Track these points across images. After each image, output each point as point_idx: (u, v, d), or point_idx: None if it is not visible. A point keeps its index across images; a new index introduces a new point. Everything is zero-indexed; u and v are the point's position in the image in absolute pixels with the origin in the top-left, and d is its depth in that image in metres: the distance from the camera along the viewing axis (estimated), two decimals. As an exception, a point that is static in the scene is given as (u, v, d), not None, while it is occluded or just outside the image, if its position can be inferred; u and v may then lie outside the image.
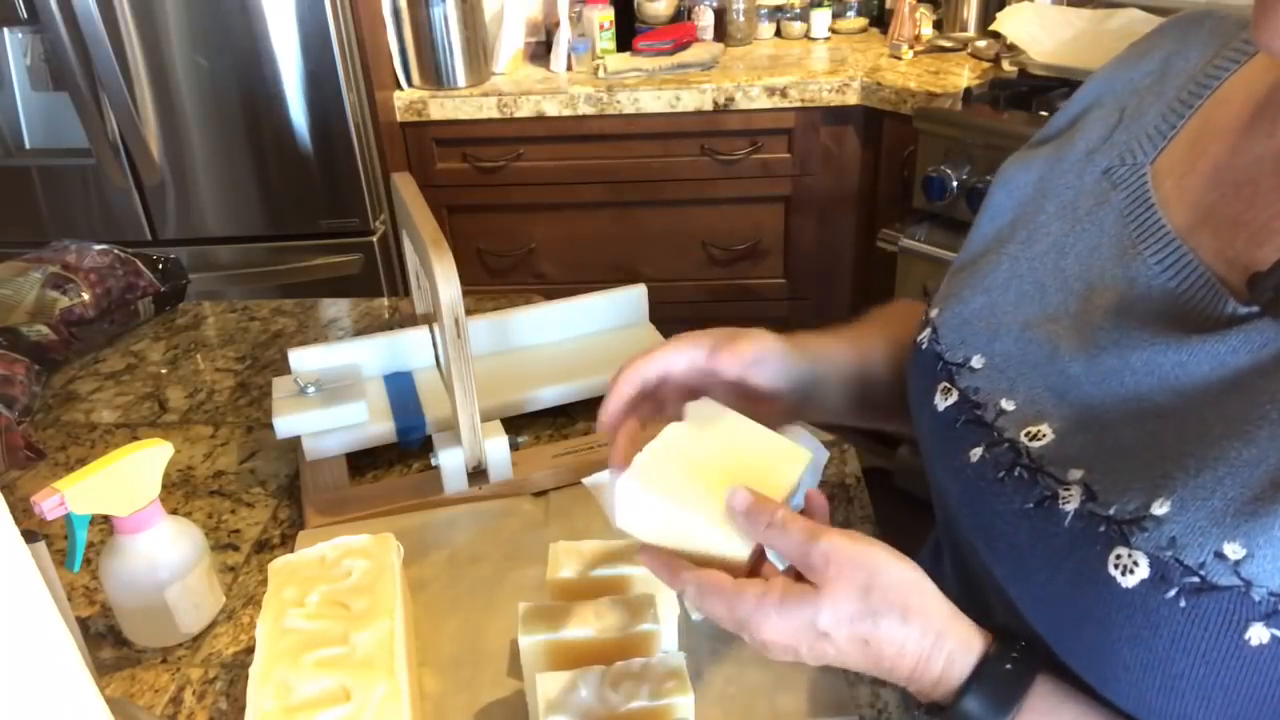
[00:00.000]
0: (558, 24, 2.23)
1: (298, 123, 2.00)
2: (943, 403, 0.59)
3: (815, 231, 2.22)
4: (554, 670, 0.62)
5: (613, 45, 2.29)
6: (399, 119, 2.14)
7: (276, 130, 2.00)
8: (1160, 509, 0.45)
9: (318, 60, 1.94)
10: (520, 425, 1.01)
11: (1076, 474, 0.50)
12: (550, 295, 1.16)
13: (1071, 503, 0.49)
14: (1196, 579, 0.44)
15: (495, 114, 2.11)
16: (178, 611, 0.77)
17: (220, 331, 1.30)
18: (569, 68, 2.24)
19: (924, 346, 0.63)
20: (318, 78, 1.95)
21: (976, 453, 0.56)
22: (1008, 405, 0.55)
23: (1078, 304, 0.56)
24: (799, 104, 2.06)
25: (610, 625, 0.65)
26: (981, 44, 2.13)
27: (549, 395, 1.02)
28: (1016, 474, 0.53)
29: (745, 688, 0.71)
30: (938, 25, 2.30)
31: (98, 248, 1.27)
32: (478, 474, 0.91)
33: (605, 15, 2.27)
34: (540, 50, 2.37)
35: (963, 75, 2.03)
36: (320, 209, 2.08)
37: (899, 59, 2.14)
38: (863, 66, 2.10)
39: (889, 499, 0.77)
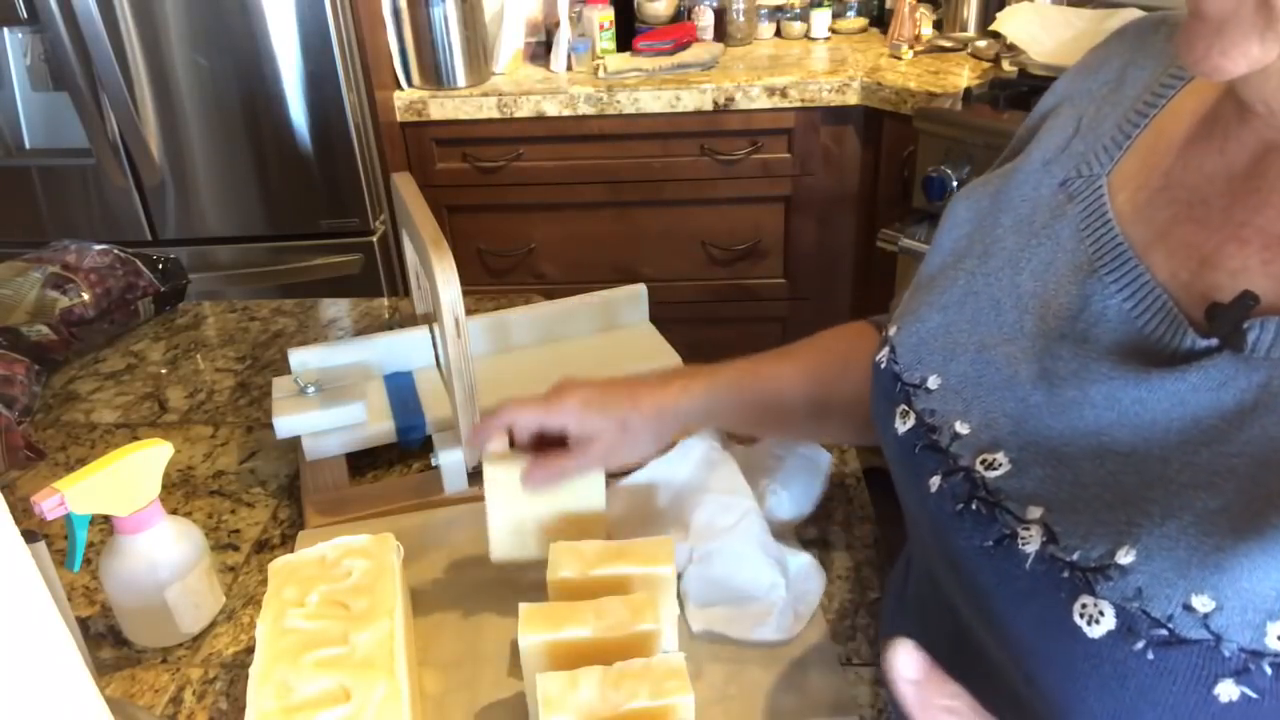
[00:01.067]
0: (558, 24, 2.23)
1: (298, 123, 2.00)
2: (902, 426, 0.57)
3: (815, 231, 2.23)
4: (554, 670, 0.62)
5: (613, 45, 2.29)
6: (399, 119, 2.14)
7: (276, 130, 2.00)
8: (1125, 558, 0.44)
9: (318, 60, 1.94)
10: (520, 425, 1.01)
11: (1036, 512, 0.48)
12: (550, 295, 1.16)
13: (1032, 544, 0.47)
14: (1165, 631, 0.42)
15: (495, 114, 2.11)
16: (178, 611, 0.77)
17: (220, 331, 1.30)
18: (569, 68, 2.24)
19: (882, 366, 0.61)
20: (318, 78, 1.95)
21: (935, 481, 0.54)
22: (962, 429, 0.53)
23: (1034, 323, 0.54)
24: (799, 104, 2.06)
25: (610, 625, 0.65)
26: (981, 44, 2.13)
27: (549, 395, 1.02)
28: (974, 508, 0.51)
29: (745, 688, 0.71)
30: (938, 25, 2.30)
31: (98, 248, 1.28)
32: (478, 474, 0.91)
33: (605, 15, 2.27)
34: (540, 50, 2.37)
35: (963, 75, 2.03)
36: (320, 209, 2.08)
37: (899, 59, 2.14)
38: (863, 66, 2.10)
39: (889, 499, 0.78)
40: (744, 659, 0.73)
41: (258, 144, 2.02)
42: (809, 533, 0.86)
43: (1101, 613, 0.44)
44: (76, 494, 0.70)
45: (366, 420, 0.95)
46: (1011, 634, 0.49)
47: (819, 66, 2.13)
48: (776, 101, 2.06)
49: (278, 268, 2.13)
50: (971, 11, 2.22)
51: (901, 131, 1.97)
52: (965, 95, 1.90)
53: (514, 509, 0.77)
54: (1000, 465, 0.51)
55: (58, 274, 1.22)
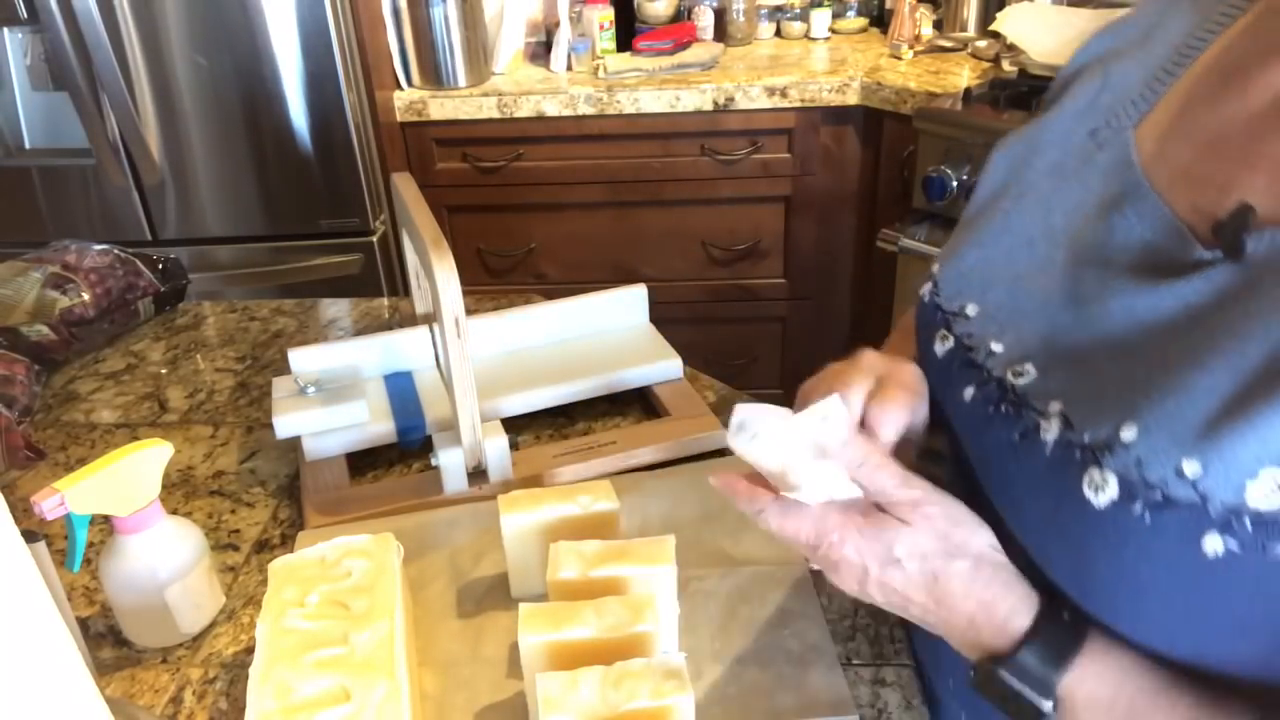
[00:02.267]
0: (558, 24, 2.23)
1: (298, 123, 2.00)
2: (941, 348, 0.64)
3: (815, 231, 2.23)
4: (554, 670, 0.62)
5: (613, 45, 2.29)
6: (399, 119, 2.14)
7: (276, 130, 2.00)
8: (1128, 434, 0.50)
9: (318, 60, 1.94)
10: (520, 425, 1.01)
11: (1056, 406, 0.54)
12: (550, 295, 1.16)
13: (1051, 433, 0.54)
14: (1159, 495, 0.48)
15: (495, 114, 2.11)
16: (178, 611, 0.77)
17: (220, 331, 1.30)
18: (569, 68, 2.24)
19: (926, 299, 0.67)
20: (318, 78, 1.95)
21: (969, 391, 0.60)
22: (996, 347, 0.60)
23: (1064, 256, 0.60)
24: (799, 104, 2.06)
25: (610, 625, 0.65)
26: (981, 44, 2.13)
27: (549, 395, 1.02)
28: (1003, 410, 0.57)
29: (745, 688, 0.71)
30: (938, 25, 2.30)
31: (98, 248, 1.28)
32: (478, 474, 0.91)
33: (605, 15, 2.27)
34: (540, 50, 2.37)
35: (963, 75, 2.03)
36: (320, 209, 2.08)
37: (899, 59, 2.14)
38: (863, 66, 2.11)
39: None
40: (744, 659, 0.73)
41: (258, 144, 2.02)
42: (809, 533, 0.86)
43: (1106, 482, 0.50)
44: (76, 494, 0.70)
45: (366, 420, 0.95)
46: (1031, 516, 0.56)
47: (819, 66, 2.14)
48: (776, 101, 2.06)
49: (278, 268, 2.13)
50: (971, 11, 2.22)
51: (901, 131, 1.97)
52: (965, 95, 1.90)
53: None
54: (1028, 374, 0.57)
55: (58, 274, 1.22)
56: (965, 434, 0.61)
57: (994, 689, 0.54)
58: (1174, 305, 0.52)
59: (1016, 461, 0.56)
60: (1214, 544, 0.46)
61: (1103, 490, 0.50)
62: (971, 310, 0.63)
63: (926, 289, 0.68)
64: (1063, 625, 0.54)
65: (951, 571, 0.55)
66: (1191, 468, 0.47)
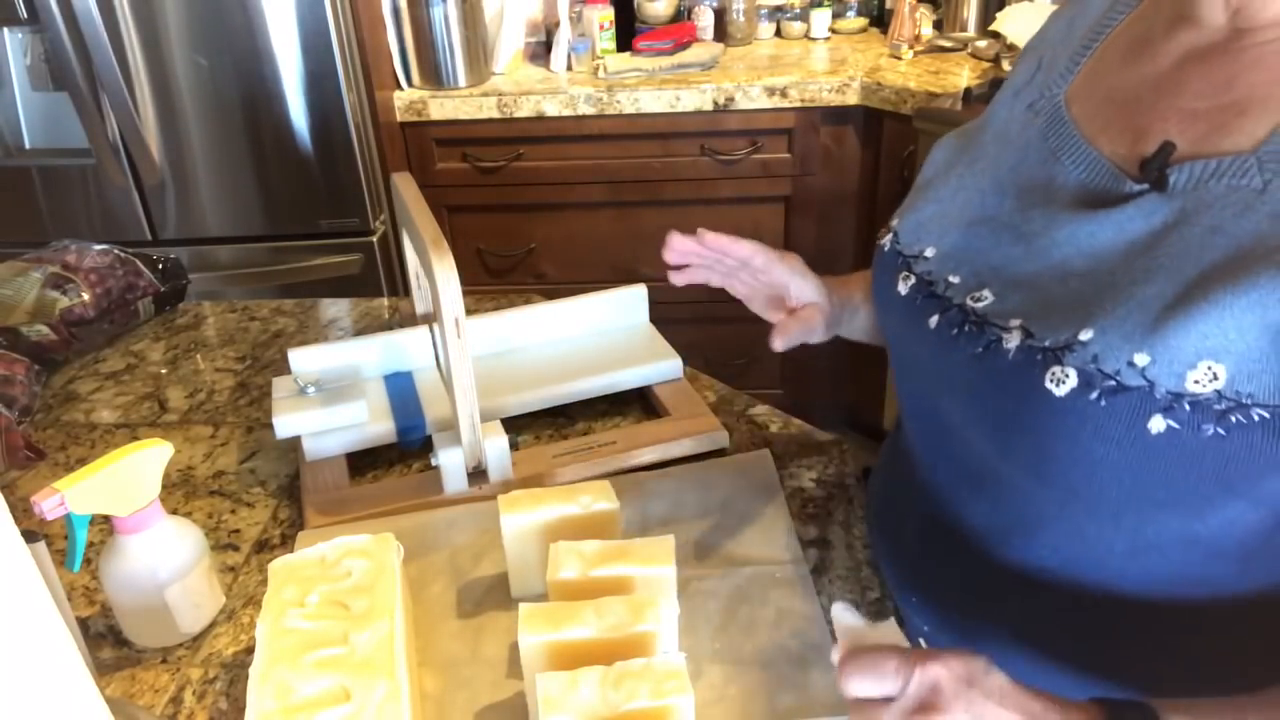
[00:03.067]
0: (558, 24, 2.23)
1: (298, 123, 2.00)
2: (904, 287, 0.73)
3: (815, 231, 2.23)
4: (554, 670, 0.62)
5: (613, 45, 2.29)
6: (399, 119, 2.14)
7: (276, 130, 2.00)
8: (1085, 335, 0.58)
9: (318, 60, 1.94)
10: (520, 425, 1.01)
11: (1016, 321, 0.62)
12: (550, 295, 1.16)
13: (1013, 341, 0.62)
14: (1113, 382, 0.56)
15: (495, 114, 2.11)
16: (178, 611, 0.77)
17: (220, 331, 1.30)
18: (569, 68, 2.24)
19: (886, 248, 0.77)
20: (318, 78, 1.95)
21: (934, 319, 0.69)
22: (955, 279, 0.69)
23: (1011, 203, 0.69)
24: (799, 104, 2.06)
25: (610, 625, 0.65)
26: (981, 44, 2.13)
27: (549, 395, 1.02)
28: (967, 329, 0.66)
29: (745, 688, 0.71)
30: (938, 25, 2.30)
31: (98, 248, 1.28)
32: (478, 474, 0.91)
33: (605, 15, 2.27)
34: (540, 50, 2.37)
35: (963, 75, 2.03)
36: (320, 209, 2.08)
37: (899, 59, 2.14)
38: (863, 66, 2.10)
39: (889, 499, 0.81)
40: (744, 659, 0.73)
41: (258, 144, 2.02)
42: (809, 533, 0.86)
43: (1067, 375, 0.58)
44: (76, 494, 0.70)
45: (366, 420, 0.95)
46: (996, 416, 0.64)
47: (819, 66, 2.14)
48: (776, 101, 2.06)
49: (278, 268, 2.13)
50: (971, 11, 2.22)
51: (901, 131, 1.97)
52: (965, 95, 1.90)
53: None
54: (986, 298, 0.66)
55: (58, 274, 1.22)
56: (930, 356, 0.70)
57: None
58: (1113, 234, 0.61)
59: (981, 371, 0.64)
60: (1158, 423, 0.55)
61: (1064, 383, 0.58)
62: (930, 252, 0.72)
63: (886, 239, 0.77)
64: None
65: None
66: (1142, 359, 0.56)
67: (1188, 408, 0.54)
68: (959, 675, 0.52)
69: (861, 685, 0.53)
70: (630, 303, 1.11)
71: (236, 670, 0.76)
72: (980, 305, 0.65)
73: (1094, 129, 0.67)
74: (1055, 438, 0.60)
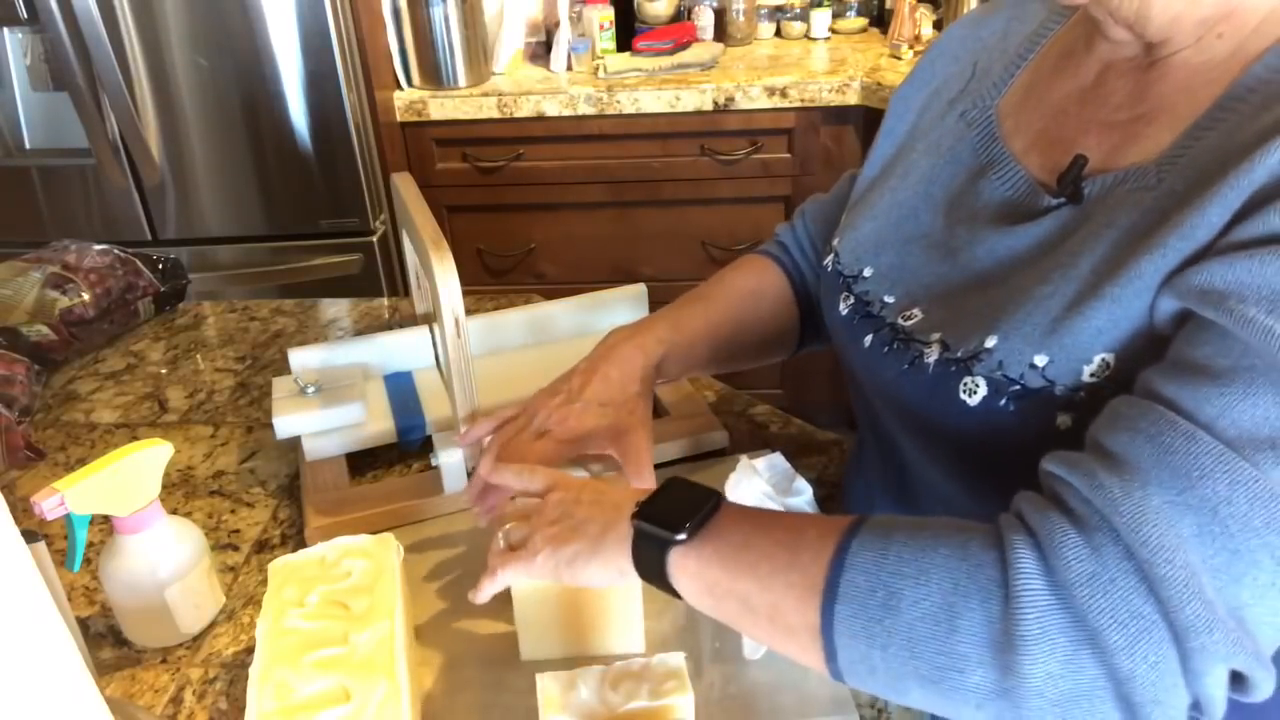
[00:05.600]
0: (558, 24, 2.23)
1: (298, 123, 2.00)
2: (844, 307, 0.75)
3: (815, 231, 2.22)
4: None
5: (613, 45, 2.29)
6: (399, 119, 2.14)
7: (276, 130, 2.00)
8: (990, 342, 0.61)
9: (318, 60, 1.94)
10: (520, 425, 1.01)
11: (935, 336, 0.65)
12: (550, 295, 1.16)
13: (932, 355, 0.64)
14: (1018, 387, 0.59)
15: (495, 114, 2.11)
16: (178, 611, 0.77)
17: (220, 331, 1.30)
18: (569, 68, 2.24)
19: (829, 269, 0.78)
20: (318, 78, 1.95)
21: (869, 339, 0.71)
22: (889, 299, 0.71)
23: (941, 220, 0.71)
24: (799, 104, 2.06)
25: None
26: (981, 44, 2.13)
27: (549, 395, 1.02)
28: (895, 346, 0.68)
29: (745, 688, 0.71)
30: (938, 25, 2.30)
31: (98, 248, 1.28)
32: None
33: (605, 15, 2.27)
34: (540, 50, 2.37)
35: (963, 75, 2.02)
36: (320, 209, 2.08)
37: (899, 59, 2.14)
38: (863, 66, 2.11)
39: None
40: (744, 659, 0.73)
41: (258, 144, 2.02)
42: (809, 533, 0.86)
43: (977, 385, 0.61)
44: (76, 494, 0.70)
45: (366, 420, 0.95)
46: (921, 425, 0.67)
47: (819, 66, 2.14)
48: (776, 101, 2.06)
49: (278, 268, 2.13)
50: (971, 11, 2.22)
51: (901, 131, 1.97)
52: (965, 95, 1.90)
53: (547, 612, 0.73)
54: (915, 316, 0.68)
55: (58, 274, 1.22)
56: (866, 371, 0.72)
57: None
58: (1027, 242, 0.64)
59: (909, 385, 0.66)
60: (1064, 420, 0.58)
61: (975, 392, 0.61)
62: (868, 272, 0.74)
63: (829, 260, 0.79)
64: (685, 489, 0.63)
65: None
66: (1041, 359, 0.58)
67: (1084, 396, 0.57)
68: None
69: (504, 477, 0.72)
70: (630, 303, 1.11)
71: (236, 670, 0.76)
72: (909, 324, 0.68)
73: (1023, 143, 0.69)
74: (972, 443, 0.62)
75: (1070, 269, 0.59)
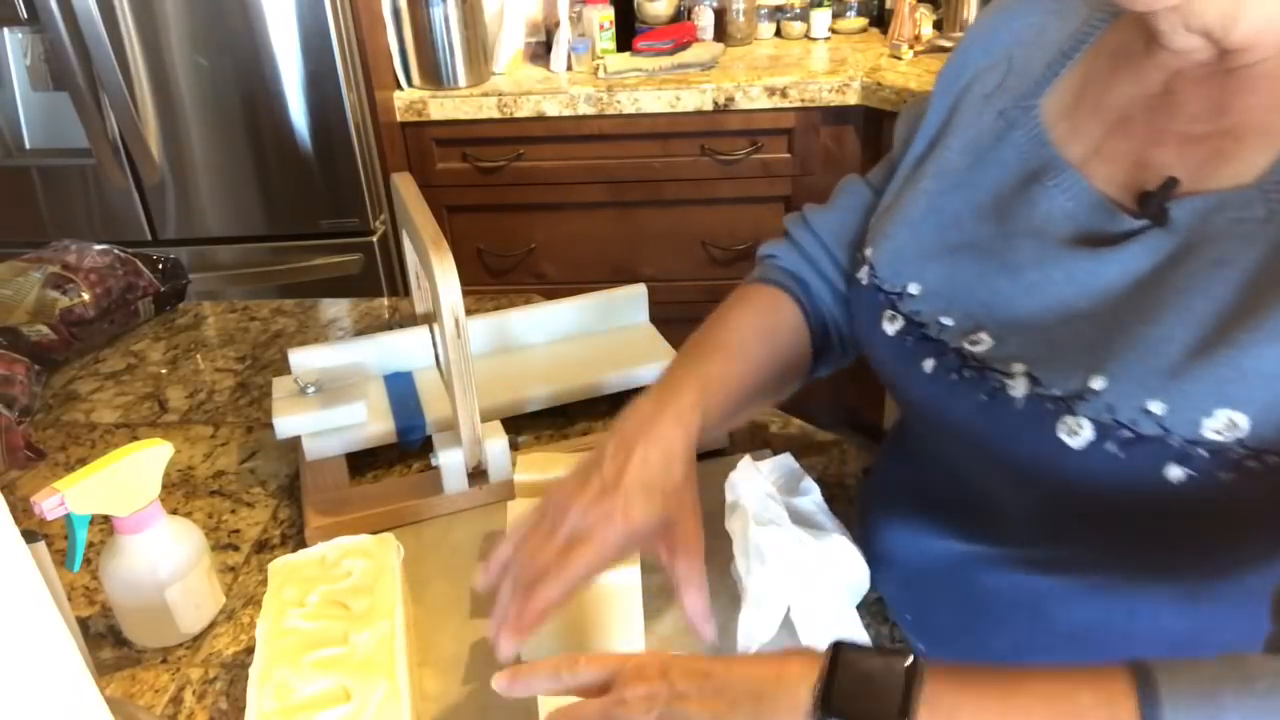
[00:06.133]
0: (558, 24, 2.23)
1: (298, 123, 2.00)
2: (891, 328, 0.68)
3: (815, 231, 2.22)
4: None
5: (613, 45, 2.29)
6: (399, 119, 2.14)
7: (276, 130, 2.00)
8: (1097, 384, 0.55)
9: (318, 60, 1.94)
10: (520, 425, 1.01)
11: (1019, 367, 0.59)
12: (550, 295, 1.16)
13: (1019, 389, 0.59)
14: (1129, 433, 0.54)
15: (495, 114, 2.11)
16: (178, 611, 0.77)
17: (220, 331, 1.30)
18: (569, 68, 2.24)
19: (864, 282, 0.71)
20: (318, 78, 1.95)
21: (929, 364, 0.64)
22: (947, 321, 0.64)
23: (991, 228, 0.65)
24: (799, 104, 2.06)
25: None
26: (981, 44, 2.13)
27: (549, 395, 1.02)
28: (966, 375, 0.62)
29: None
30: (938, 25, 2.30)
31: (98, 248, 1.27)
32: (478, 474, 0.91)
33: (605, 15, 2.27)
34: (540, 50, 2.37)
35: (963, 75, 2.02)
36: (320, 209, 2.08)
37: (899, 59, 2.14)
38: (863, 66, 2.10)
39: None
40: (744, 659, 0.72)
41: (258, 144, 2.02)
42: (809, 533, 0.86)
43: (1081, 426, 0.56)
44: (76, 494, 0.70)
45: (366, 420, 0.95)
46: (1007, 464, 0.61)
47: (819, 66, 2.13)
48: (776, 101, 2.06)
49: (278, 268, 2.13)
50: (971, 12, 2.22)
51: (901, 131, 1.97)
52: (965, 95, 1.90)
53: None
54: (984, 342, 0.62)
55: (58, 274, 1.22)
56: (928, 401, 0.65)
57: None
58: (1117, 271, 0.58)
59: (987, 418, 0.60)
60: (1176, 472, 0.53)
61: (1078, 433, 0.56)
62: (914, 289, 0.67)
63: (863, 273, 0.72)
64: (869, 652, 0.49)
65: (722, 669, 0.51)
66: (1157, 407, 0.53)
67: (1205, 454, 0.52)
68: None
69: (535, 684, 0.55)
70: (630, 303, 1.11)
71: (236, 670, 0.76)
72: (979, 349, 0.62)
73: (1082, 152, 0.64)
74: (1071, 491, 0.57)
75: (1183, 310, 0.54)
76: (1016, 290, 0.62)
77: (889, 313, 0.68)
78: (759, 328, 0.79)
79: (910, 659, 0.47)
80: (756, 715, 0.47)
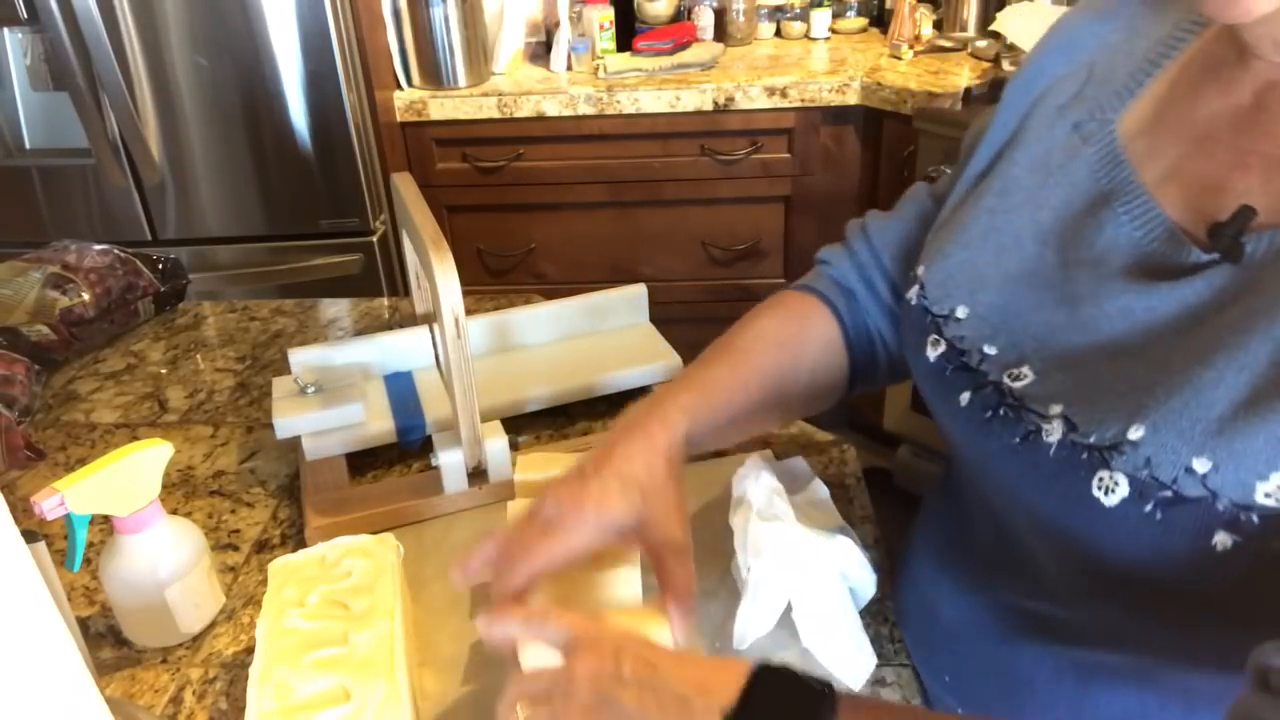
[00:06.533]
0: (558, 24, 2.23)
1: (298, 123, 2.00)
2: (933, 353, 0.63)
3: (815, 231, 2.22)
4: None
5: (613, 45, 2.29)
6: (399, 119, 2.14)
7: (276, 130, 2.00)
8: (1135, 434, 0.50)
9: (318, 60, 1.94)
10: (520, 425, 1.01)
11: (1056, 409, 0.54)
12: (550, 295, 1.16)
13: (1054, 435, 0.53)
14: (1169, 493, 0.48)
15: (495, 114, 2.11)
16: (178, 611, 0.77)
17: (220, 331, 1.30)
18: (569, 68, 2.24)
19: (913, 302, 0.66)
20: (318, 78, 1.95)
21: (965, 396, 0.60)
22: (990, 350, 0.60)
23: (1054, 255, 0.59)
24: (799, 104, 2.06)
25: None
26: (981, 44, 2.13)
27: (549, 395, 1.02)
28: (1002, 413, 0.57)
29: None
30: (938, 25, 2.30)
31: (98, 248, 1.27)
32: (478, 474, 0.91)
33: (605, 15, 2.27)
34: (540, 50, 2.37)
35: (963, 75, 2.03)
36: (320, 209, 2.08)
37: (899, 59, 2.14)
38: (863, 66, 2.10)
39: (889, 499, 0.79)
40: (744, 659, 0.72)
41: (258, 144, 2.02)
42: (809, 533, 0.86)
43: (1116, 483, 0.50)
44: (76, 494, 0.70)
45: (366, 420, 0.95)
46: (1040, 517, 0.56)
47: (819, 66, 2.13)
48: (776, 101, 2.06)
49: (278, 268, 2.13)
50: (971, 11, 2.22)
51: (901, 131, 1.97)
52: (965, 95, 1.90)
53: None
54: (1025, 377, 0.57)
55: (58, 274, 1.22)
56: (963, 437, 0.61)
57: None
58: (1173, 307, 0.52)
59: (1019, 464, 0.55)
60: (1223, 539, 0.47)
61: (1112, 491, 0.50)
62: (962, 312, 0.62)
63: (913, 292, 0.67)
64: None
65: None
66: (1201, 464, 0.47)
67: (1256, 520, 0.47)
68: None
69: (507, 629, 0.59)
70: (630, 303, 1.11)
71: (236, 670, 0.76)
72: (1019, 385, 0.57)
73: (1158, 172, 0.57)
74: (1106, 548, 0.52)
75: (1238, 353, 0.48)
76: (1070, 324, 0.57)
77: (933, 336, 0.63)
78: (781, 337, 0.77)
79: (827, 690, 0.48)
80: (662, 711, 0.50)
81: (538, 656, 0.59)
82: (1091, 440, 0.52)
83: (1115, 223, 0.57)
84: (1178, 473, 0.48)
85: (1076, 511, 0.52)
